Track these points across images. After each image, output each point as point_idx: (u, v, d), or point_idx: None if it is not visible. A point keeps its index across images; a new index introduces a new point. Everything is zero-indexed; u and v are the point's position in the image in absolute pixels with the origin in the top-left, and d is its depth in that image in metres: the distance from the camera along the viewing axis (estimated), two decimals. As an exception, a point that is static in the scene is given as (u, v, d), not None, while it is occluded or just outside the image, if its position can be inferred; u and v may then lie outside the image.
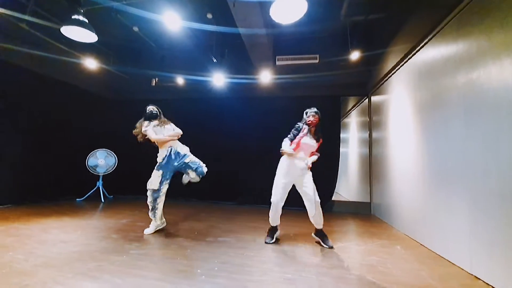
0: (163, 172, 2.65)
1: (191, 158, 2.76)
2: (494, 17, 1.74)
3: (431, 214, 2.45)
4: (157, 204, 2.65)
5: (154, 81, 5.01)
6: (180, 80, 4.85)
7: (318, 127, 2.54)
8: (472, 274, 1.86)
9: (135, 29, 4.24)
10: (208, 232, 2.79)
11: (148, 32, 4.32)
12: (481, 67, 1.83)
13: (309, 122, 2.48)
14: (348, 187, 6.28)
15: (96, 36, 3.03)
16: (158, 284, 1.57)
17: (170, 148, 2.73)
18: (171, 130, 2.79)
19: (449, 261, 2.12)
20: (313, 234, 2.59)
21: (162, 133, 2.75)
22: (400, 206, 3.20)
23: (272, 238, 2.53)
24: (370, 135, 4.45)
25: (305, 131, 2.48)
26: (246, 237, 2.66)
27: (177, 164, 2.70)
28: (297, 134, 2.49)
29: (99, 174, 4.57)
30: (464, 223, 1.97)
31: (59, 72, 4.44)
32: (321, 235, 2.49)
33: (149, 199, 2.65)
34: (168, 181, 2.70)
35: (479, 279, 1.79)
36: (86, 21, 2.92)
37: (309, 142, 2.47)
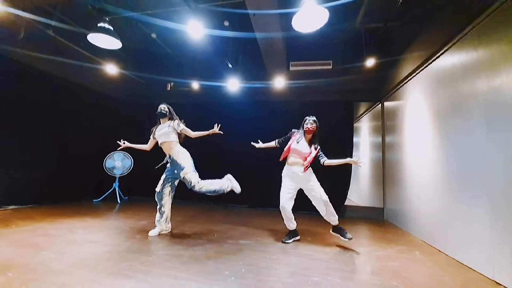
0: (165, 176, 2.72)
1: (187, 173, 2.56)
2: (518, 28, 1.77)
3: (450, 221, 2.46)
4: (162, 206, 2.71)
5: (170, 86, 5.13)
6: (195, 85, 4.96)
7: (315, 136, 2.65)
8: (493, 280, 1.86)
9: (153, 35, 4.38)
10: (227, 234, 2.84)
11: (166, 39, 4.45)
12: (503, 75, 1.86)
13: (306, 129, 2.62)
14: (359, 192, 6.26)
15: (120, 42, 3.15)
16: (191, 284, 1.62)
17: (168, 155, 2.73)
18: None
19: (469, 268, 2.12)
20: (331, 231, 2.67)
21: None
22: (416, 212, 3.20)
23: (290, 239, 2.65)
24: (383, 140, 4.47)
25: (297, 136, 2.65)
26: (266, 240, 2.70)
27: (176, 172, 2.63)
28: (288, 139, 2.70)
29: (116, 176, 4.67)
30: (485, 229, 1.98)
31: (80, 77, 4.60)
32: (339, 229, 2.58)
33: (157, 200, 2.75)
34: (170, 184, 2.73)
35: (500, 285, 1.79)
36: (111, 28, 3.05)
37: (300, 148, 2.59)
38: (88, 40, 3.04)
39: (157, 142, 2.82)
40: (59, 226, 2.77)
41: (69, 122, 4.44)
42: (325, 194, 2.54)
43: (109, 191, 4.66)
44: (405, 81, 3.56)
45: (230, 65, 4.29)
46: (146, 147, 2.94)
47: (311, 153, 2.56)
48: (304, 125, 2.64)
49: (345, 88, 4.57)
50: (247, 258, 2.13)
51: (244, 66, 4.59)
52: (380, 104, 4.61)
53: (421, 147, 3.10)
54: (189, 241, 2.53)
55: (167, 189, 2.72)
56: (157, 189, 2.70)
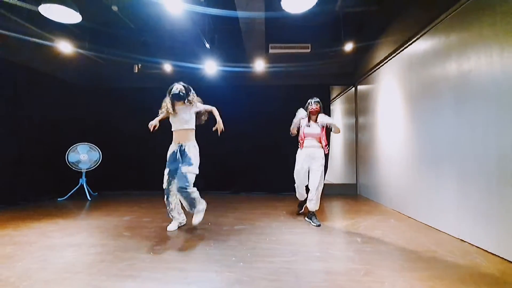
0: (169, 170, 2.43)
1: (191, 172, 2.35)
2: (487, 15, 1.99)
3: (420, 191, 2.83)
4: (170, 203, 2.50)
5: (137, 68, 4.63)
6: (167, 67, 4.56)
7: (320, 115, 2.85)
8: (459, 239, 2.24)
9: (114, 8, 3.82)
10: (221, 222, 2.83)
11: (129, 13, 3.92)
12: (472, 61, 2.11)
13: (312, 110, 2.80)
14: (333, 171, 6.73)
15: (79, 15, 2.69)
16: (202, 274, 1.60)
17: (179, 144, 2.42)
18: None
19: (438, 230, 2.51)
20: (306, 218, 2.88)
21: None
22: (388, 186, 3.59)
23: (301, 209, 3.12)
24: (356, 121, 4.80)
25: (306, 120, 2.84)
26: (260, 223, 2.77)
27: (179, 164, 2.37)
28: (298, 121, 2.88)
29: (82, 171, 4.20)
30: (451, 197, 2.33)
31: (24, 56, 3.83)
32: (311, 215, 2.78)
33: (165, 198, 2.50)
34: (174, 178, 2.41)
35: (465, 241, 2.17)
36: (68, -2, 2.56)
37: (313, 131, 2.79)
38: (38, 12, 2.51)
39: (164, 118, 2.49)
40: (27, 232, 2.42)
41: (17, 112, 3.74)
42: (322, 184, 2.75)
43: (76, 187, 4.18)
44: (379, 66, 3.79)
45: (207, 45, 4.02)
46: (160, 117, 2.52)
47: (322, 132, 2.77)
48: (309, 107, 2.81)
49: (322, 72, 4.69)
50: (248, 242, 2.18)
51: (222, 47, 4.35)
52: (353, 88, 4.87)
53: (393, 127, 3.42)
54: (184, 233, 2.46)
55: (173, 185, 2.42)
56: (164, 185, 2.45)
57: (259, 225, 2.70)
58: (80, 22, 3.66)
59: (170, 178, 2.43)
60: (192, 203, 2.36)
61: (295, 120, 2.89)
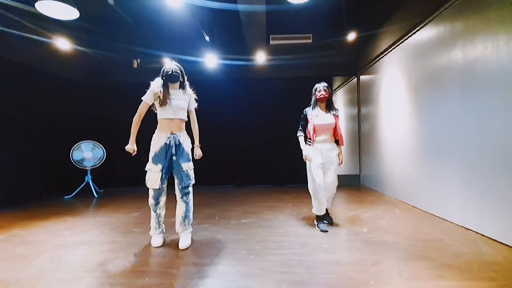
0: (162, 166, 1.99)
1: (191, 168, 2.06)
2: (495, 2, 1.94)
3: (424, 181, 2.85)
4: (160, 208, 2.09)
5: (136, 63, 4.56)
6: (167, 61, 4.48)
7: (330, 102, 2.42)
8: (463, 227, 2.28)
9: (111, 2, 3.72)
10: (228, 216, 2.87)
11: (126, 6, 3.82)
12: (478, 49, 2.08)
13: (321, 96, 2.33)
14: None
15: (77, 11, 2.62)
16: (215, 268, 1.64)
17: (172, 136, 2.01)
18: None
19: (442, 218, 2.54)
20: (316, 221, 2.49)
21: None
22: (391, 175, 3.62)
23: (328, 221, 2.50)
24: (359, 111, 4.78)
25: (313, 111, 2.36)
26: (267, 216, 2.81)
27: (175, 161, 2.01)
28: (305, 119, 2.39)
29: (87, 168, 4.21)
30: (456, 186, 2.35)
31: (24, 55, 3.76)
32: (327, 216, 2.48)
33: (153, 203, 2.08)
34: (166, 177, 2.07)
35: (469, 229, 2.21)
36: (64, -7, 2.49)
37: (323, 121, 2.33)
38: (34, 9, 2.45)
39: (148, 111, 2.08)
40: (36, 231, 2.45)
41: (18, 112, 3.71)
42: (336, 184, 2.40)
43: (82, 185, 4.21)
44: (382, 55, 3.74)
45: (207, 38, 3.95)
46: (138, 120, 2.09)
47: (336, 122, 2.34)
48: (317, 93, 2.35)
49: (324, 63, 4.63)
50: (256, 235, 2.21)
51: (222, 40, 4.27)
52: (356, 78, 4.82)
53: (396, 117, 3.41)
54: (194, 227, 2.49)
55: (165, 184, 2.07)
56: (156, 185, 1.99)
57: (266, 218, 2.74)
58: (76, 17, 3.61)
59: (163, 176, 2.01)
60: (189, 209, 2.04)
61: (303, 121, 2.40)
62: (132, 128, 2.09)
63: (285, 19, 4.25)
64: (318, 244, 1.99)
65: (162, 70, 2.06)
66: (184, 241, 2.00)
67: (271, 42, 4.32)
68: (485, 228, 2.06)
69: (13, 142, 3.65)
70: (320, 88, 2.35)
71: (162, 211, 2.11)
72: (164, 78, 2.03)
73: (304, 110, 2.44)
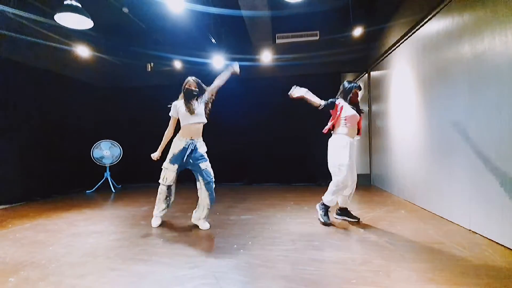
0: (177, 165, 2.36)
1: (209, 166, 2.38)
2: (502, -7, 1.81)
3: (432, 182, 2.72)
4: (171, 199, 2.50)
5: (150, 66, 4.83)
6: (177, 64, 4.70)
7: (358, 103, 2.52)
8: (470, 230, 2.15)
9: (125, 10, 3.99)
10: (229, 212, 2.96)
11: (139, 13, 4.07)
12: (486, 41, 1.94)
13: (355, 100, 2.43)
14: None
15: (91, 21, 2.86)
16: (205, 259, 1.73)
17: (191, 140, 2.33)
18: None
19: (449, 221, 2.41)
20: (335, 216, 2.61)
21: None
22: (401, 176, 3.47)
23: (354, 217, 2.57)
24: (369, 109, 4.62)
25: (345, 104, 2.40)
26: (266, 213, 2.86)
27: (192, 162, 2.33)
28: (333, 104, 2.41)
29: (106, 165, 4.56)
30: (464, 187, 2.22)
31: (50, 63, 4.19)
32: (346, 212, 2.57)
33: (164, 194, 2.45)
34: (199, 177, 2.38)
35: (476, 233, 2.08)
36: (79, 5, 2.74)
37: (354, 113, 2.39)
38: (54, 21, 2.73)
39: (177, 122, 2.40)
40: (58, 221, 2.74)
41: (45, 113, 4.15)
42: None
43: (101, 181, 4.58)
44: (391, 50, 3.59)
45: (213, 41, 4.07)
46: (171, 132, 2.44)
47: (361, 118, 2.48)
48: (352, 94, 2.39)
49: (332, 59, 4.54)
50: (251, 231, 2.28)
51: (229, 41, 4.37)
52: (366, 74, 4.66)
53: (406, 114, 3.26)
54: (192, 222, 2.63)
55: (174, 184, 2.46)
56: (170, 183, 2.37)
57: (264, 215, 2.79)
58: (94, 26, 3.94)
59: (177, 174, 2.39)
60: (213, 196, 2.39)
61: (331, 102, 2.41)
62: (163, 139, 2.46)
63: (290, 17, 4.24)
64: (310, 242, 2.00)
65: (183, 86, 2.40)
66: (207, 224, 2.40)
67: (277, 41, 4.34)
68: (493, 232, 1.93)
69: (47, 140, 4.09)
70: (354, 89, 2.41)
71: (171, 197, 2.50)
72: (185, 95, 2.36)
73: (337, 100, 2.43)
